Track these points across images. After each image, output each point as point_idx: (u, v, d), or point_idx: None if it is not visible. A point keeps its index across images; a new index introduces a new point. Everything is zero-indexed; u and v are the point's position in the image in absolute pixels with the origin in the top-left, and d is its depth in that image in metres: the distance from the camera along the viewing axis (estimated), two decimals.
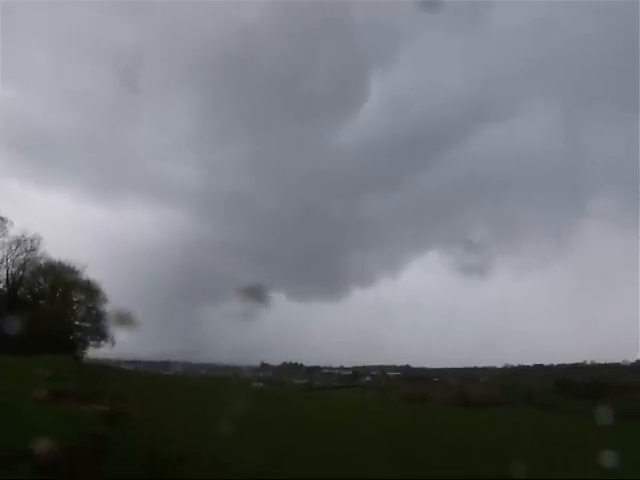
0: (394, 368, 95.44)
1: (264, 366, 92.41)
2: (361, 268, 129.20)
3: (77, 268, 48.68)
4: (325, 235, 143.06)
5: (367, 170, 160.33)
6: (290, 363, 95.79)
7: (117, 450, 9.31)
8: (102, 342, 48.32)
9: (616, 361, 62.28)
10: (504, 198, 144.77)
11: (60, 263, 48.28)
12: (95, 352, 48.91)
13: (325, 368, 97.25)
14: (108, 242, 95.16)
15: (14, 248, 45.54)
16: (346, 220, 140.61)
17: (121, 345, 48.96)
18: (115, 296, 48.47)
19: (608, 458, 11.41)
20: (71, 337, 48.15)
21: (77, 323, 49.26)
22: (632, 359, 60.98)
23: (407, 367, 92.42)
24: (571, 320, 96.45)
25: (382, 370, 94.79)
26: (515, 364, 75.96)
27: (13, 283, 46.45)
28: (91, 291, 48.66)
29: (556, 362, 72.27)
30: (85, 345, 49.30)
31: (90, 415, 12.88)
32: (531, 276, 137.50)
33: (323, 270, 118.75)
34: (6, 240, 44.87)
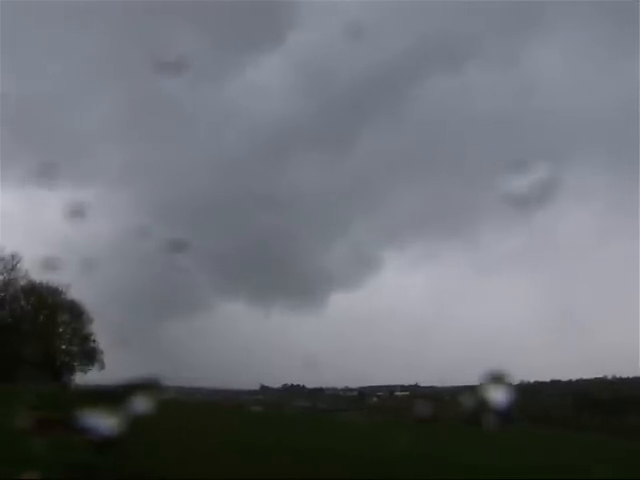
0: (402, 387, 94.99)
1: (263, 389, 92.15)
2: (336, 265, 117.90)
3: (60, 288, 49.07)
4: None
5: None
6: (291, 385, 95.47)
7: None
8: (90, 366, 48.54)
9: (637, 375, 62.11)
10: None
11: (42, 284, 48.68)
12: (83, 378, 49.12)
13: (329, 389, 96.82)
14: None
15: None
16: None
17: (111, 369, 49.09)
18: None
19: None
20: (57, 363, 48.33)
21: (63, 347, 49.54)
22: None
23: (416, 386, 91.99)
24: (588, 333, 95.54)
25: (389, 390, 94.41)
26: (531, 380, 75.59)
27: None
28: (75, 312, 48.98)
29: (574, 377, 72.03)
30: (72, 370, 49.49)
31: (79, 444, 13.03)
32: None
33: (289, 271, 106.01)
34: None
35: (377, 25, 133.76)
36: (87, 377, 48.80)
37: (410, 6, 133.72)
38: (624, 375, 65.78)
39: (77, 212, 23.47)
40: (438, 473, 15.16)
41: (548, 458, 19.82)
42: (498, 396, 13.66)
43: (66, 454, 11.33)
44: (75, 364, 49.41)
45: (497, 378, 13.39)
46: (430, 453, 19.37)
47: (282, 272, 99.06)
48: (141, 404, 11.59)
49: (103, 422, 9.85)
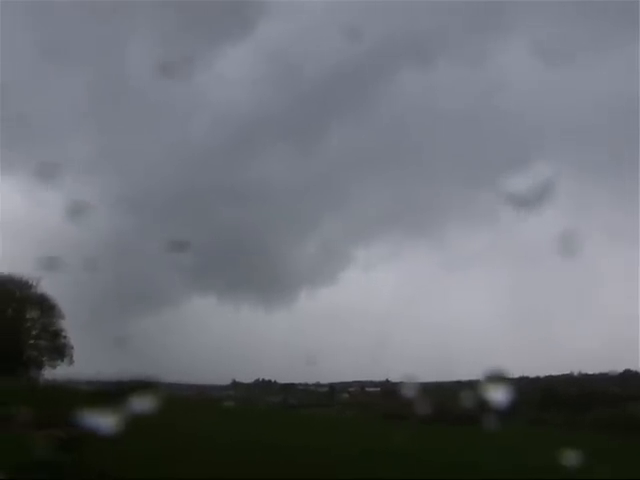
0: (373, 383, 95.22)
1: (235, 384, 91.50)
2: (306, 260, 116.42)
3: (30, 282, 47.72)
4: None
5: None
6: (263, 380, 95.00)
7: (71, 477, 9.03)
8: (59, 361, 47.37)
9: (603, 371, 63.31)
10: None
11: (10, 276, 47.23)
12: (52, 373, 47.91)
13: (300, 385, 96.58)
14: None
15: None
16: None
17: (79, 364, 48.00)
18: None
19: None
20: (24, 357, 47.06)
21: (31, 342, 48.20)
22: (620, 369, 62.09)
23: (386, 382, 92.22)
24: (556, 328, 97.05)
25: (360, 386, 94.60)
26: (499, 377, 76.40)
27: None
28: (46, 307, 47.72)
29: (542, 374, 73.07)
30: (40, 365, 48.23)
31: (44, 441, 12.50)
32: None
33: (258, 266, 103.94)
34: None
35: (347, 19, 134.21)
36: (55, 372, 47.74)
37: (380, 2, 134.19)
38: (590, 372, 67.26)
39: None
40: (415, 472, 14.99)
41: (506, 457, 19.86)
42: (498, 395, 13.66)
43: (31, 451, 10.82)
44: (43, 359, 48.20)
45: (496, 377, 13.28)
46: (405, 451, 19.22)
47: (252, 266, 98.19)
48: (140, 404, 11.22)
49: (102, 421, 9.45)
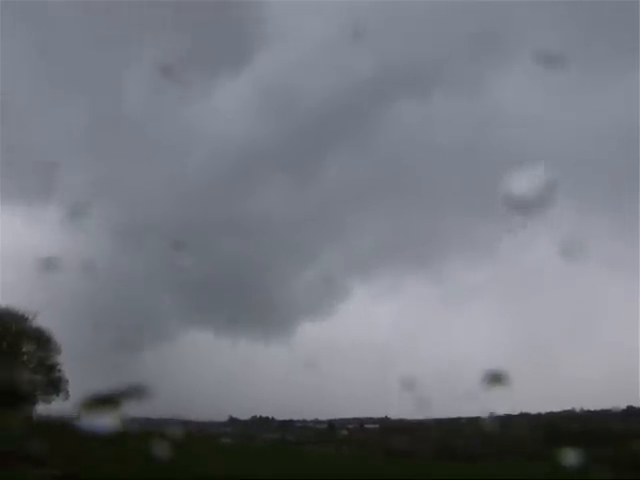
0: (372, 420, 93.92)
1: (232, 420, 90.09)
2: (304, 293, 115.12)
3: (26, 315, 47.34)
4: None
5: None
6: (261, 417, 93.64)
7: None
8: (54, 396, 46.66)
9: (606, 407, 62.53)
10: None
11: (7, 309, 46.90)
12: (47, 408, 47.12)
13: (299, 422, 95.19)
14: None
15: None
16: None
17: (75, 399, 47.20)
18: None
19: None
20: (19, 392, 46.34)
21: (27, 376, 47.56)
22: (622, 405, 61.37)
23: (386, 419, 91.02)
24: (557, 362, 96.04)
25: (359, 422, 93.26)
26: (501, 413, 75.31)
27: None
28: (42, 340, 47.25)
29: (544, 410, 72.09)
30: (34, 400, 47.48)
31: (40, 479, 12.22)
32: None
33: (256, 300, 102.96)
34: None
35: (344, 51, 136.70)
36: (50, 407, 46.91)
37: (376, 31, 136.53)
38: (592, 408, 66.40)
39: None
40: None
41: None
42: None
43: None
44: (37, 393, 47.42)
45: (495, 379, 13.03)
46: None
47: (250, 300, 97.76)
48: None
49: (102, 420, 9.21)
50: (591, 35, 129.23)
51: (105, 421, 9.42)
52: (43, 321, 46.62)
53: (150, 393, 8.62)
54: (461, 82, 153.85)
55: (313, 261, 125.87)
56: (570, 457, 17.95)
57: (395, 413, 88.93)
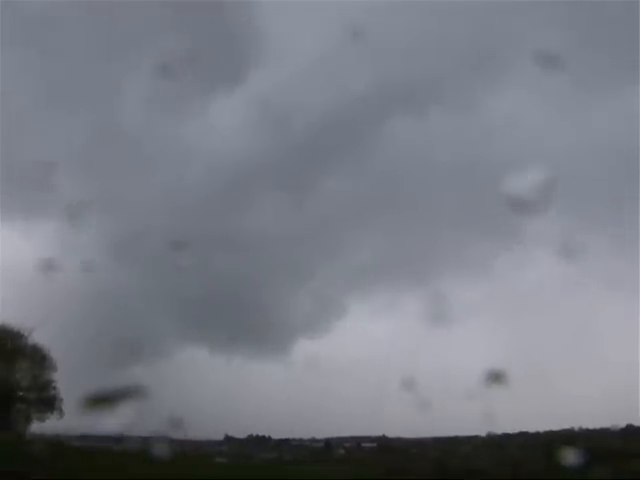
0: (369, 439, 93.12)
1: (228, 439, 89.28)
2: (300, 311, 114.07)
3: (22, 332, 46.98)
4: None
5: None
6: (257, 436, 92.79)
7: None
8: (48, 414, 46.12)
9: (605, 426, 62.04)
10: None
11: (2, 326, 46.57)
12: (40, 426, 46.53)
13: (295, 440, 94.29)
14: None
15: None
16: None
17: (69, 417, 46.65)
18: None
19: None
20: (12, 410, 45.83)
21: (21, 394, 47.06)
22: (622, 423, 60.90)
23: (383, 437, 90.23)
24: (555, 381, 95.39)
25: (356, 441, 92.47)
26: (499, 432, 74.73)
27: None
28: (37, 358, 46.84)
29: (542, 429, 71.53)
30: (28, 419, 46.91)
31: None
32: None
33: (251, 317, 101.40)
34: None
35: (339, 68, 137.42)
36: (45, 426, 46.31)
37: (373, 48, 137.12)
38: (591, 426, 65.86)
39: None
40: None
41: None
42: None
43: None
44: (31, 412, 46.86)
45: (495, 378, 12.91)
46: None
47: (245, 317, 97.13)
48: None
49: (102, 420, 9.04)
50: (591, 46, 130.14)
51: (105, 421, 9.28)
52: (39, 337, 46.37)
53: (149, 395, 8.50)
54: (458, 98, 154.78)
55: (310, 278, 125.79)
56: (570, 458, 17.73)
57: (392, 431, 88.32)
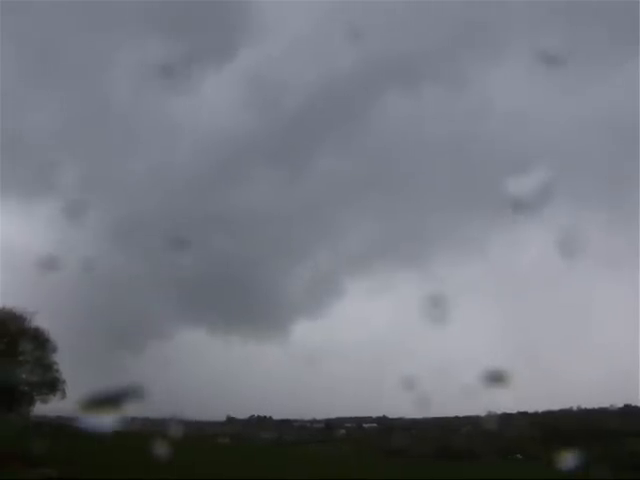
0: (370, 419, 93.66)
1: (230, 420, 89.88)
2: (297, 291, 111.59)
3: (25, 315, 46.98)
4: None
5: None
6: (258, 416, 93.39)
7: None
8: (51, 395, 46.27)
9: (603, 406, 62.54)
10: None
11: (4, 309, 46.56)
12: (43, 408, 46.73)
13: (296, 421, 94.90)
14: None
15: None
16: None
17: (72, 398, 46.90)
18: None
19: None
20: (15, 392, 46.08)
21: (23, 376, 47.22)
22: (620, 403, 61.38)
23: (384, 418, 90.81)
24: (554, 361, 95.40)
25: (357, 422, 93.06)
26: (499, 412, 75.11)
27: None
28: (40, 340, 46.93)
29: (542, 409, 71.92)
30: (31, 400, 47.15)
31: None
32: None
33: (248, 297, 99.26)
34: None
35: (330, 43, 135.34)
36: (47, 407, 46.63)
37: (364, 24, 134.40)
38: (589, 406, 66.31)
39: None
40: None
41: None
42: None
43: None
44: (34, 394, 47.16)
45: (495, 377, 13.01)
46: None
47: (242, 297, 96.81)
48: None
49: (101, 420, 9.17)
50: (589, 29, 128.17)
51: (104, 421, 9.39)
52: (40, 321, 46.50)
53: (148, 393, 8.57)
54: (450, 75, 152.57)
55: (304, 258, 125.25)
56: (568, 459, 17.95)
57: (393, 412, 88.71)
